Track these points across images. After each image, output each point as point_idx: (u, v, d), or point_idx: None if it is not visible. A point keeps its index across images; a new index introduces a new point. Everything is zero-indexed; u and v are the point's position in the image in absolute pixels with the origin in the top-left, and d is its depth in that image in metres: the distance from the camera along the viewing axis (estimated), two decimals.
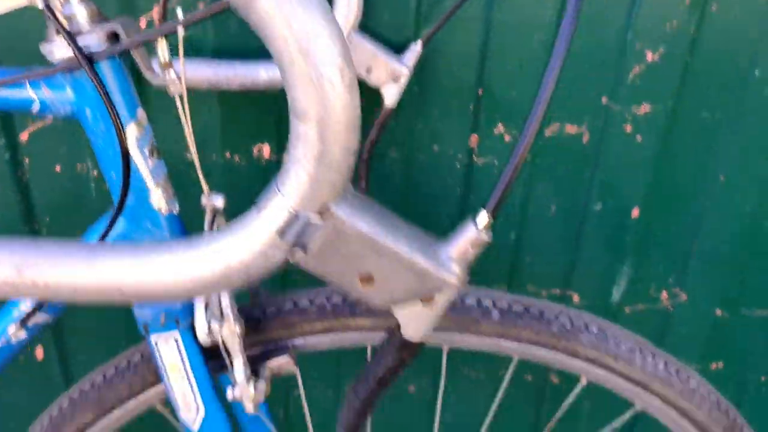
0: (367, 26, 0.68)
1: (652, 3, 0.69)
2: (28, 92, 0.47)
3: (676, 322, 0.90)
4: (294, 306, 0.56)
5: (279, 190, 0.29)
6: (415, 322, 0.36)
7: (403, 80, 0.67)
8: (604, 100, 0.74)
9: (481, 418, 0.95)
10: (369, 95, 0.66)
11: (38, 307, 0.53)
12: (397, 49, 0.68)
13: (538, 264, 0.85)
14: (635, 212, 0.81)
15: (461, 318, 0.55)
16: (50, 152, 0.74)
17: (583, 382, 0.60)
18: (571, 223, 0.82)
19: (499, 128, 0.75)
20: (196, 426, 0.55)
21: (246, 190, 0.77)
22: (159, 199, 0.49)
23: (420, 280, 0.33)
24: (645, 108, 0.74)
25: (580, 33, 0.70)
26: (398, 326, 0.37)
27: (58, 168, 0.75)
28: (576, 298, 0.88)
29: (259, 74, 0.66)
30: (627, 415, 0.64)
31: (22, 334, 0.54)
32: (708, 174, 0.79)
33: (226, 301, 0.51)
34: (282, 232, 0.29)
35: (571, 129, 0.76)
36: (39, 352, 0.88)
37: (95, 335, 0.86)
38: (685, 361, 0.91)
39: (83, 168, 0.75)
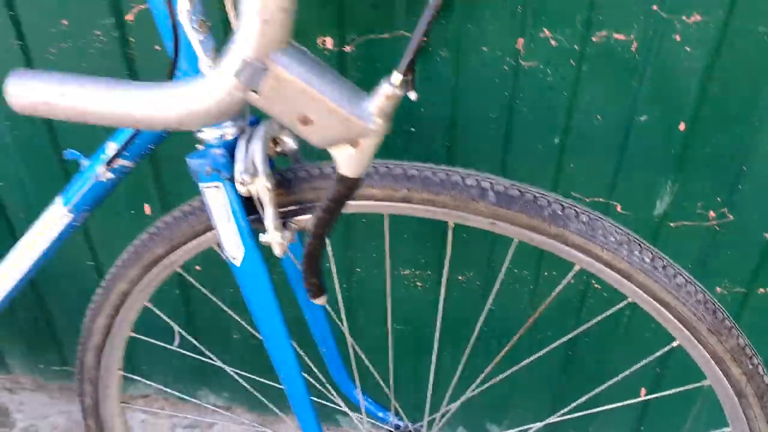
0: None
1: None
2: None
3: (722, 243, 0.91)
4: (320, 172, 0.65)
5: (234, 42, 0.38)
6: (348, 161, 0.44)
7: None
8: (654, 7, 0.74)
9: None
10: None
11: (118, 153, 0.67)
12: None
13: (582, 171, 0.88)
14: (682, 126, 0.82)
15: (461, 196, 0.63)
16: (152, 33, 0.87)
17: (576, 268, 0.66)
18: (616, 132, 0.84)
19: (545, 33, 0.78)
20: (238, 262, 0.67)
21: None
22: (205, 66, 0.60)
23: (346, 126, 0.41)
24: (695, 18, 0.74)
25: None
26: (337, 170, 0.45)
27: (157, 47, 0.89)
28: (618, 208, 0.91)
29: None
30: (620, 305, 0.69)
31: (110, 175, 0.68)
32: (761, 92, 0.78)
33: (259, 159, 0.62)
34: (238, 74, 0.38)
35: (619, 36, 0.77)
36: (147, 208, 1.05)
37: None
38: (730, 284, 0.93)
39: None
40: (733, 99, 0.79)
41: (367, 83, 0.83)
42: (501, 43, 0.80)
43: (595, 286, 0.98)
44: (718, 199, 0.87)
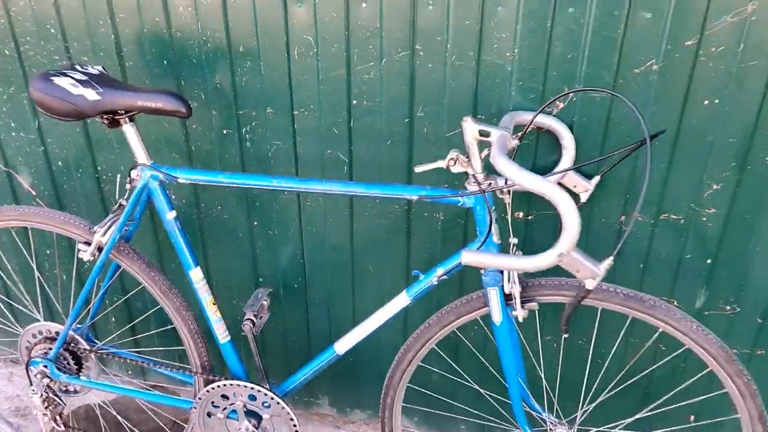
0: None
1: None
2: (460, 199, 1.38)
3: (734, 322, 1.64)
4: (538, 282, 1.42)
5: (557, 246, 1.15)
6: (590, 284, 1.19)
7: (590, 191, 1.51)
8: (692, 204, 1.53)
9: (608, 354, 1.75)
10: (573, 196, 1.51)
11: (444, 274, 1.44)
12: (589, 176, 1.52)
13: (653, 287, 1.64)
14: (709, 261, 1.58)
15: (609, 297, 1.39)
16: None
17: (660, 331, 1.40)
18: (670, 266, 1.61)
19: (635, 215, 1.57)
20: (498, 323, 1.43)
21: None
22: (495, 237, 1.39)
23: (592, 274, 1.16)
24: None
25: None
26: (583, 285, 1.21)
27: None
28: (675, 303, 1.65)
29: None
30: (679, 351, 1.42)
31: (435, 282, 1.46)
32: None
33: (516, 279, 1.39)
34: (558, 255, 1.14)
35: (675, 216, 1.55)
36: None
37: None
38: (739, 345, 1.65)
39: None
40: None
41: (540, 234, 1.61)
42: (611, 215, 1.59)
43: (662, 347, 1.71)
44: (731, 299, 1.61)
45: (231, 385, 1.65)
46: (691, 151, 1.48)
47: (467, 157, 1.34)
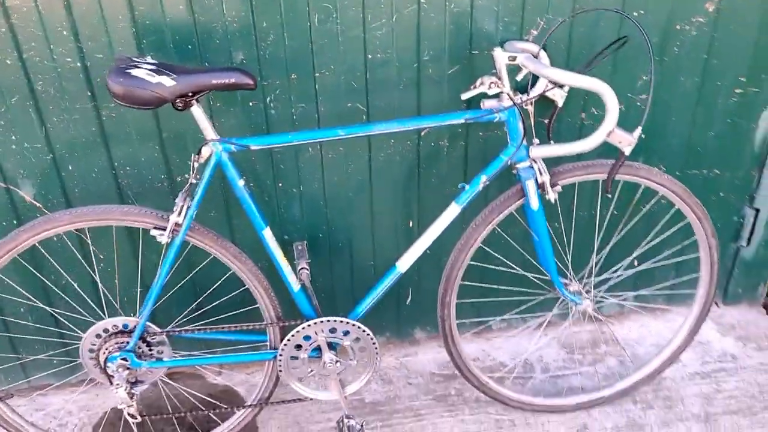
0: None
1: None
2: (496, 115, 1.72)
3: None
4: (558, 170, 1.83)
5: (604, 125, 1.54)
6: (627, 150, 1.62)
7: (564, 96, 1.94)
8: None
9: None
10: (550, 103, 1.93)
11: (487, 180, 1.78)
12: (561, 86, 1.94)
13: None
14: None
15: (630, 170, 1.84)
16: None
17: (642, 187, 1.89)
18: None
19: (589, 111, 2.03)
20: (535, 208, 1.81)
21: None
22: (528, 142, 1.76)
23: (629, 142, 1.58)
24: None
25: None
26: (621, 151, 1.63)
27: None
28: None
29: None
30: (653, 201, 1.93)
31: (480, 189, 1.80)
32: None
33: (545, 170, 1.78)
34: (606, 132, 1.54)
35: None
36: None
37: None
38: None
39: None
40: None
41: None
42: (572, 115, 2.04)
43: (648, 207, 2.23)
44: (661, 163, 2.17)
45: (313, 324, 1.85)
46: (627, 54, 1.97)
47: (499, 79, 1.69)
